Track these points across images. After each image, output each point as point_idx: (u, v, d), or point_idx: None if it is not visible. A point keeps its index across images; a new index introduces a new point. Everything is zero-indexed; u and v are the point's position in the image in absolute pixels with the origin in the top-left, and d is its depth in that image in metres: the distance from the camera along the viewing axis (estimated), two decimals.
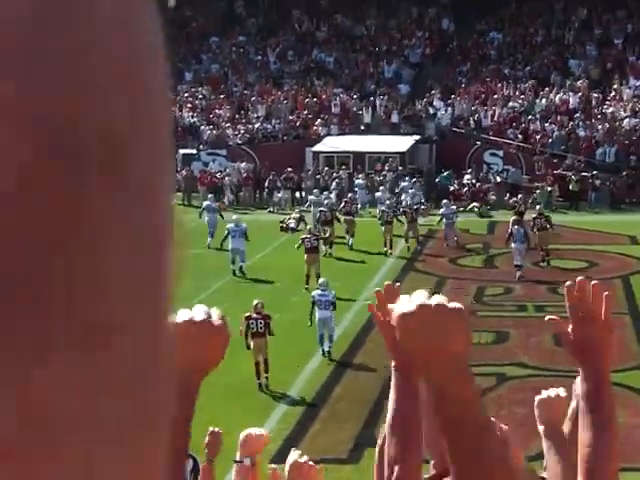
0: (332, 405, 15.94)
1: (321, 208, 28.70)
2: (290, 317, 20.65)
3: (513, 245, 24.71)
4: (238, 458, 4.66)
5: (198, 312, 1.86)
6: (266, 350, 17.05)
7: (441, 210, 28.83)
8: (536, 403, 3.28)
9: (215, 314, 1.87)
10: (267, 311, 19.58)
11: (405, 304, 1.66)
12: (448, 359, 1.63)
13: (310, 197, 31.49)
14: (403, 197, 32.02)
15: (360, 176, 34.99)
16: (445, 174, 35.33)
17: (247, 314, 17.28)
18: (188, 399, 1.78)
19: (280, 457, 14.09)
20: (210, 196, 30.29)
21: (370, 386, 16.70)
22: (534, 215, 26.76)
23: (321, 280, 19.73)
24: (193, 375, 1.82)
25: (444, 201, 29.52)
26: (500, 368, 17.27)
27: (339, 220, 28.14)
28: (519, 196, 31.27)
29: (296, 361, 18.03)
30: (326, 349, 18.53)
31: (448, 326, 1.64)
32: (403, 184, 33.31)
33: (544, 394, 3.28)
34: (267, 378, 16.99)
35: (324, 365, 17.93)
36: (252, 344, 17.12)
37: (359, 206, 31.72)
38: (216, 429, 6.46)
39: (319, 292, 18.83)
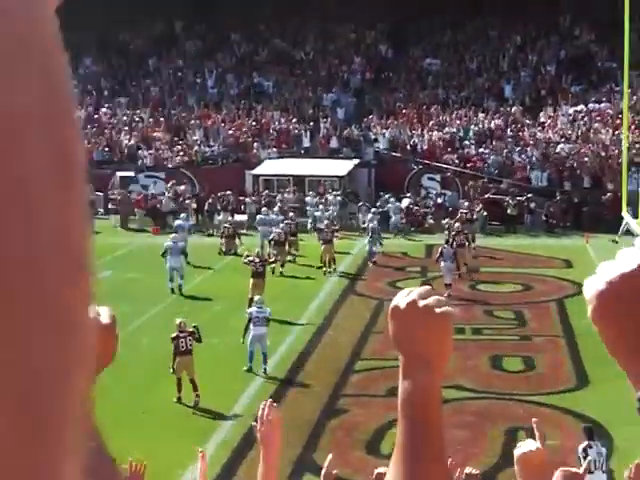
0: None
1: (275, 229, 28.59)
2: (229, 340, 20.54)
3: (442, 264, 25.14)
4: None
5: None
6: (192, 368, 17.20)
7: (371, 224, 29.31)
8: (516, 458, 3.30)
9: (105, 312, 1.81)
10: (205, 335, 19.48)
11: (400, 297, 1.75)
12: (422, 361, 1.71)
13: (259, 216, 31.43)
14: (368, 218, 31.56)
15: (310, 193, 35.22)
16: (386, 196, 35.57)
17: (173, 335, 17.38)
18: None
19: None
20: (173, 236, 26.72)
21: (310, 409, 16.68)
22: (454, 232, 27.66)
23: (257, 297, 19.80)
24: None
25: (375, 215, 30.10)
26: None
27: (289, 243, 28.52)
28: (446, 219, 31.64)
29: (234, 385, 17.92)
30: (262, 369, 18.58)
31: (429, 331, 1.72)
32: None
33: (522, 449, 3.30)
34: (198, 396, 17.01)
35: (263, 389, 17.85)
36: (177, 361, 17.24)
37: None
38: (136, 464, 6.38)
39: (256, 309, 18.93)
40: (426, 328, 1.75)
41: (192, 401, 17.10)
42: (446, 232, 29.20)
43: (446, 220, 31.33)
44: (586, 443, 12.66)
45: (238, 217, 34.17)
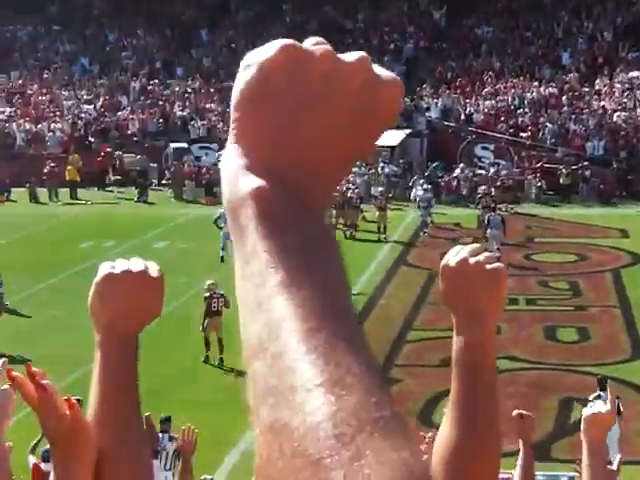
0: None
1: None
2: None
3: (489, 231, 25.16)
4: None
5: (135, 264, 1.84)
6: (221, 328, 17.42)
7: (418, 193, 29.23)
8: (583, 417, 3.29)
9: (153, 267, 1.85)
10: None
11: (450, 256, 1.76)
12: (475, 318, 1.72)
13: None
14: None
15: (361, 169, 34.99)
16: (434, 165, 35.50)
17: (206, 294, 17.69)
18: (128, 348, 1.77)
19: None
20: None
21: None
22: (479, 195, 29.58)
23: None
24: (130, 325, 1.80)
25: (424, 185, 29.90)
26: None
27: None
28: (483, 187, 31.45)
29: None
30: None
31: (481, 287, 1.73)
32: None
33: (592, 409, 3.28)
34: (222, 359, 17.40)
35: None
36: (207, 321, 17.59)
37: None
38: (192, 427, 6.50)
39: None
40: (478, 284, 1.75)
41: (217, 359, 17.58)
42: (479, 199, 29.59)
43: (483, 188, 31.27)
44: (597, 393, 13.17)
45: None
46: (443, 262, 1.79)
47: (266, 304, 0.79)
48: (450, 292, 1.80)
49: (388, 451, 0.70)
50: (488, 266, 1.77)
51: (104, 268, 1.84)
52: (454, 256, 1.79)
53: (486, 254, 1.79)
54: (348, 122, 0.86)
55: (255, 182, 0.84)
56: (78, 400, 1.87)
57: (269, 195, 0.84)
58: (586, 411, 3.28)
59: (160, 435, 11.41)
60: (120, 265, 1.84)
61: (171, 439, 11.40)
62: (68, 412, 1.70)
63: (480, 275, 1.76)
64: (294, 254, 0.81)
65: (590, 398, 12.96)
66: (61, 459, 1.71)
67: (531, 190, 33.93)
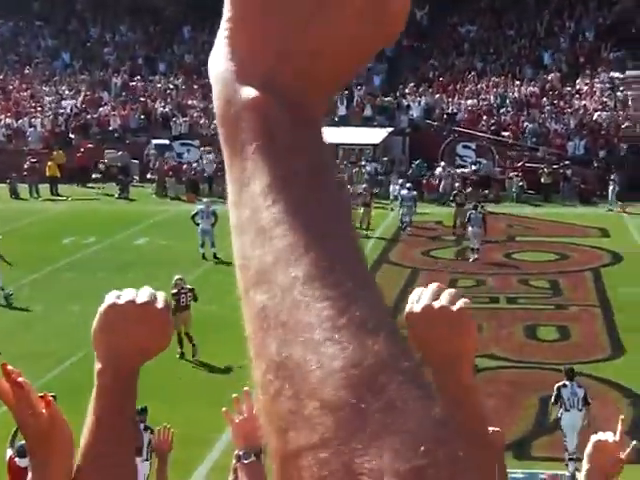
0: None
1: None
2: None
3: (470, 229, 25.34)
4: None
5: (142, 294, 1.78)
6: (190, 322, 17.82)
7: (402, 192, 29.24)
8: (592, 442, 3.28)
9: (161, 297, 1.80)
10: (237, 304, 19.50)
11: (413, 303, 1.69)
12: (450, 361, 1.66)
13: None
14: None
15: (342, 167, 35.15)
16: (416, 162, 35.70)
17: (174, 291, 17.78)
18: (124, 383, 1.73)
19: None
20: (205, 200, 27.26)
21: None
22: (454, 192, 30.27)
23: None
24: (129, 359, 1.74)
25: (407, 184, 29.99)
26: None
27: None
28: (457, 184, 31.96)
29: None
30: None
31: (452, 330, 1.66)
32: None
33: (600, 436, 3.27)
34: (194, 345, 17.70)
35: None
36: (176, 317, 17.36)
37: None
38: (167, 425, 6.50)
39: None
40: (446, 329, 1.69)
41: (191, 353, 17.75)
42: (454, 197, 30.01)
43: (457, 185, 31.63)
44: (562, 383, 13.27)
45: None
46: (407, 309, 1.74)
47: (271, 231, 0.72)
48: (419, 339, 1.74)
49: (419, 402, 0.65)
50: (453, 308, 1.72)
51: (109, 297, 1.78)
52: (417, 302, 1.74)
53: (448, 292, 1.75)
54: (355, 29, 0.77)
55: (256, 94, 0.75)
56: (53, 397, 1.86)
57: (272, 109, 0.75)
58: (595, 437, 3.29)
59: (141, 425, 11.41)
60: (125, 295, 1.77)
61: (146, 429, 11.42)
62: (44, 410, 1.69)
63: (446, 318, 1.71)
64: (303, 178, 0.73)
65: (555, 387, 13.47)
66: (38, 457, 1.70)
67: (512, 189, 34.07)
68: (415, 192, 29.66)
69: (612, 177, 32.56)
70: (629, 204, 31.48)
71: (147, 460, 11.32)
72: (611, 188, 32.21)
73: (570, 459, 12.88)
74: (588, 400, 13.27)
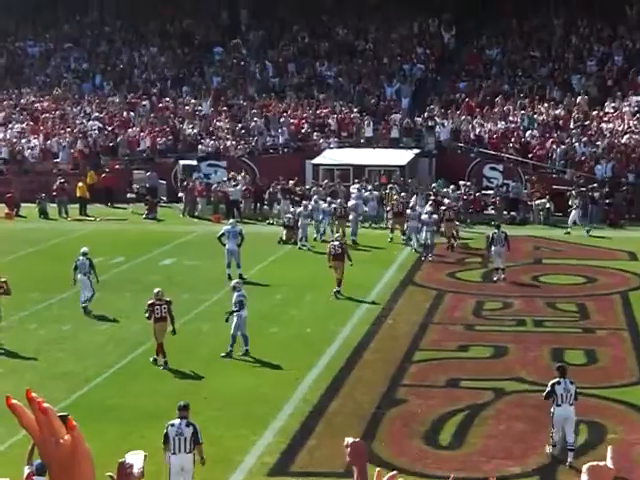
0: (329, 419, 15.90)
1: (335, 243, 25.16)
2: (288, 331, 20.63)
3: (493, 248, 25.24)
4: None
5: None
6: (164, 334, 18.30)
7: (423, 217, 28.91)
8: (585, 468, 3.29)
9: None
10: (264, 323, 19.64)
11: None
12: None
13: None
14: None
15: (369, 188, 35.04)
16: (439, 181, 35.71)
17: (150, 301, 18.40)
18: None
19: (277, 470, 14.06)
20: (232, 221, 27.38)
21: (368, 399, 16.68)
22: (444, 208, 30.44)
23: (234, 281, 20.01)
24: None
25: (428, 207, 29.75)
26: (499, 383, 17.25)
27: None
28: (447, 201, 31.91)
29: (293, 375, 17.99)
30: (244, 350, 18.86)
31: None
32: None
33: (593, 463, 3.28)
34: (166, 362, 18.13)
35: (321, 378, 17.90)
36: (155, 327, 18.35)
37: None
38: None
39: (236, 293, 19.05)
40: None
41: (162, 364, 18.13)
42: (444, 212, 30.39)
43: (447, 201, 31.96)
44: (556, 380, 14.01)
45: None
46: None
47: None
48: None
49: None
50: None
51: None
52: None
53: None
54: None
55: None
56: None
57: None
58: (589, 463, 3.30)
59: (179, 421, 12.68)
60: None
61: (188, 425, 12.64)
62: (67, 435, 1.67)
63: None
64: None
65: (549, 384, 14.09)
66: None
67: (539, 211, 33.90)
68: (436, 216, 29.23)
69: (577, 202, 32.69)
70: None
71: (190, 453, 12.63)
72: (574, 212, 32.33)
73: (570, 449, 13.88)
74: (577, 396, 14.15)
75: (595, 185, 34.54)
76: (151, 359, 18.43)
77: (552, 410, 14.08)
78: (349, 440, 3.98)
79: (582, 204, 32.75)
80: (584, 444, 14.70)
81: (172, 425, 12.65)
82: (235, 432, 14.93)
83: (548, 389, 14.10)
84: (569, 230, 31.96)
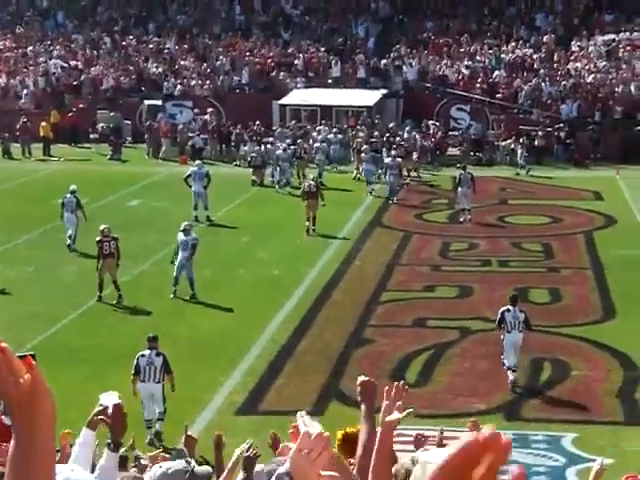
0: (297, 359, 16.02)
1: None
2: (255, 272, 20.66)
3: (459, 189, 25.37)
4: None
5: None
6: (115, 270, 18.64)
7: (386, 160, 28.95)
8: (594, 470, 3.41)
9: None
10: (231, 265, 19.66)
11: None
12: None
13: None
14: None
15: (334, 130, 34.58)
16: (406, 123, 35.56)
17: (97, 238, 18.69)
18: None
19: (244, 409, 14.19)
20: (198, 162, 27.13)
21: (336, 339, 16.82)
22: (395, 145, 30.96)
23: (184, 223, 19.79)
24: None
25: (392, 151, 29.74)
26: (464, 322, 17.44)
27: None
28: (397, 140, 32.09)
29: (260, 314, 18.08)
30: (190, 294, 18.89)
31: None
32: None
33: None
34: (120, 296, 18.44)
35: (289, 319, 18.00)
36: (101, 263, 18.63)
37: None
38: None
39: (182, 235, 19.08)
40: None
41: (115, 300, 18.46)
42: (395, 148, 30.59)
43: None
44: (506, 308, 14.78)
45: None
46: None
47: None
48: None
49: None
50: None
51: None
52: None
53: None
54: None
55: None
56: (32, 356, 1.82)
57: None
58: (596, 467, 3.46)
59: (149, 351, 13.09)
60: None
61: (158, 354, 13.12)
62: (27, 375, 1.65)
63: None
64: None
65: (499, 312, 14.81)
66: (21, 426, 1.65)
67: (505, 152, 33.98)
68: (400, 159, 29.09)
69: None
70: (622, 167, 31.50)
71: (159, 383, 13.09)
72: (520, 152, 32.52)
73: (512, 370, 14.55)
74: (530, 324, 14.86)
75: (561, 125, 34.64)
76: (95, 299, 18.55)
77: (502, 337, 14.73)
78: (360, 378, 4.06)
79: (526, 144, 32.86)
80: (548, 380, 14.96)
81: (142, 355, 13.09)
82: (203, 372, 15.02)
83: (498, 316, 14.81)
84: (518, 171, 32.11)
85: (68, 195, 22.65)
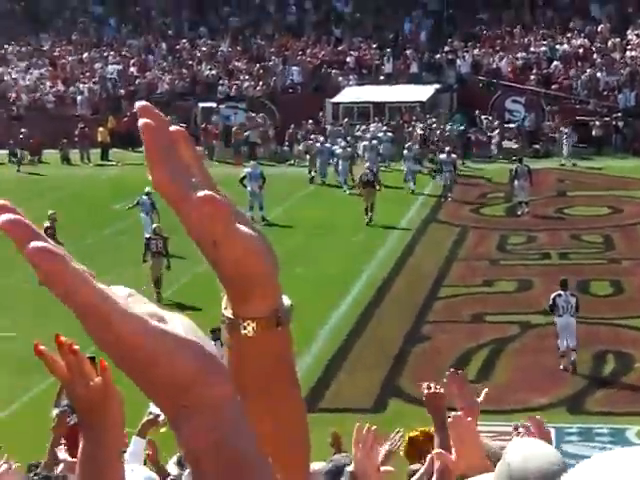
0: (355, 356, 16.02)
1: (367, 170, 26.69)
2: (311, 271, 20.70)
3: (516, 182, 25.11)
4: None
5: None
6: (161, 269, 19.23)
7: (441, 156, 28.59)
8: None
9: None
10: (290, 264, 19.73)
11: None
12: None
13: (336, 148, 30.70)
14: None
15: (383, 128, 34.42)
16: (456, 116, 35.29)
17: (147, 236, 19.46)
18: None
19: (306, 407, 14.22)
20: (252, 162, 27.40)
21: (393, 336, 16.78)
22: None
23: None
24: None
25: (447, 148, 29.27)
26: (524, 316, 17.28)
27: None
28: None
29: (317, 312, 18.11)
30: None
31: None
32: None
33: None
34: (159, 293, 18.93)
35: (348, 315, 18.01)
36: (152, 262, 19.19)
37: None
38: None
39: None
40: None
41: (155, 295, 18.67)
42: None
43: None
44: (557, 292, 14.98)
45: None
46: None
47: None
48: None
49: None
50: None
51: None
52: None
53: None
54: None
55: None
56: (91, 358, 1.84)
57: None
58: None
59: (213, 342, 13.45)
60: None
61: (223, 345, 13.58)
62: (99, 377, 1.66)
63: None
64: None
65: (551, 297, 15.01)
66: (91, 429, 1.66)
67: (563, 143, 33.55)
68: (454, 155, 28.83)
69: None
70: None
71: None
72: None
73: (572, 350, 14.80)
74: (579, 309, 15.00)
75: (619, 114, 34.12)
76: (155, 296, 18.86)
77: (555, 321, 14.94)
78: (425, 390, 4.01)
79: (572, 135, 32.40)
80: (612, 373, 14.76)
81: None
82: None
83: (550, 302, 14.96)
84: (563, 162, 31.66)
85: (144, 197, 23.18)
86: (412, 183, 28.64)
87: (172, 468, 7.21)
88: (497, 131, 34.43)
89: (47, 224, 20.50)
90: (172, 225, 23.37)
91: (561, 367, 14.76)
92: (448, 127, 33.76)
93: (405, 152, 29.70)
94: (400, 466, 5.51)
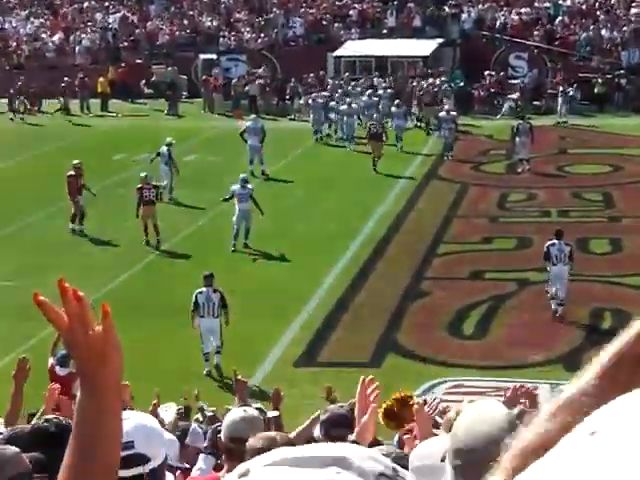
0: (353, 312, 16.08)
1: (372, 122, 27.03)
2: (311, 226, 20.69)
3: (517, 139, 24.96)
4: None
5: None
6: (156, 215, 19.38)
7: (440, 114, 28.08)
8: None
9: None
10: (289, 220, 19.75)
11: None
12: None
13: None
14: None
15: (383, 85, 33.97)
16: (456, 72, 35.05)
17: (139, 186, 19.46)
18: None
19: (303, 361, 14.32)
20: (253, 116, 27.02)
21: (392, 292, 16.83)
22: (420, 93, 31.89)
23: (242, 175, 20.00)
24: None
25: (447, 106, 28.92)
26: (523, 274, 17.31)
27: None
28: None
29: (317, 268, 18.14)
30: (243, 243, 19.20)
31: None
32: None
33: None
34: (159, 241, 19.18)
35: (346, 271, 18.04)
36: (142, 209, 19.36)
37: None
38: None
39: (239, 186, 19.25)
40: None
41: (154, 242, 19.22)
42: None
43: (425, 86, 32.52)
44: (551, 242, 15.27)
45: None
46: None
47: None
48: None
49: None
50: None
51: None
52: None
53: None
54: None
55: None
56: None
57: None
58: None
59: (205, 289, 13.93)
60: None
61: (215, 291, 13.99)
62: (98, 326, 1.66)
63: None
64: None
65: (545, 246, 15.37)
66: (91, 378, 1.65)
67: (565, 99, 33.32)
68: (455, 113, 28.50)
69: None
70: None
71: (217, 317, 13.92)
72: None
73: (559, 304, 15.13)
74: (573, 257, 15.24)
75: (621, 72, 33.87)
76: (142, 242, 19.16)
77: (548, 269, 15.26)
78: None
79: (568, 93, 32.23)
80: (609, 330, 14.82)
81: (200, 292, 13.93)
82: (261, 325, 15.16)
83: (545, 250, 15.30)
84: (558, 120, 31.51)
85: (164, 147, 23.34)
86: (399, 140, 28.10)
87: (163, 414, 7.33)
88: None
89: (72, 172, 20.77)
90: (185, 178, 23.38)
91: (552, 307, 15.23)
92: (445, 85, 33.35)
93: (394, 109, 29.23)
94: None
